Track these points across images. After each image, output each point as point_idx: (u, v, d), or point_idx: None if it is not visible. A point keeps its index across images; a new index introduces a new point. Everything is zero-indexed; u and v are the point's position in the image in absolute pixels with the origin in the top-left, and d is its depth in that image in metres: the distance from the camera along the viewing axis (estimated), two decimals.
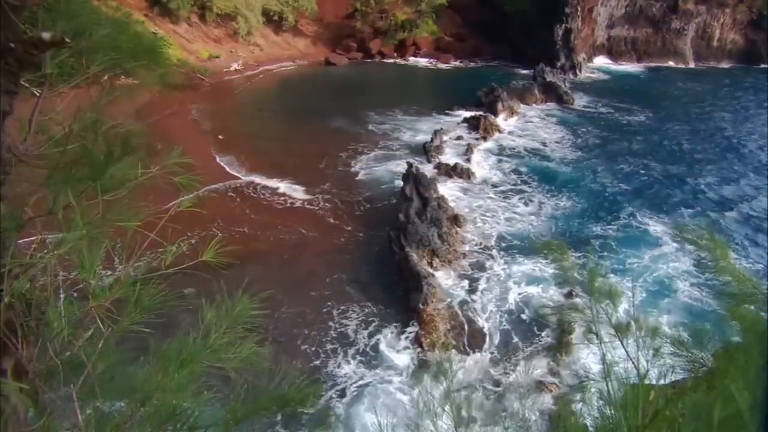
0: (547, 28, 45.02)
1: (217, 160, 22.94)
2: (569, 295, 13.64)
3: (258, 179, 21.43)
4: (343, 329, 13.01)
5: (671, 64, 49.90)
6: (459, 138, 27.11)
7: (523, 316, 13.71)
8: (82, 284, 2.02)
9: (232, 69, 40.28)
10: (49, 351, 1.95)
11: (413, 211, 16.91)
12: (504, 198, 20.71)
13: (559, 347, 12.28)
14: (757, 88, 41.32)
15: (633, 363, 2.22)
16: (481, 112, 29.77)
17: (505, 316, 13.73)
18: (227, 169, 22.17)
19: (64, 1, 1.93)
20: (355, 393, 11.11)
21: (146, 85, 2.22)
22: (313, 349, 12.26)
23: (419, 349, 12.30)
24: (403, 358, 12.16)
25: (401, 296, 14.21)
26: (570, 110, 33.98)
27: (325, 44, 49.56)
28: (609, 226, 18.72)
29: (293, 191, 20.49)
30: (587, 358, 11.91)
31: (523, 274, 15.40)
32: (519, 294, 14.58)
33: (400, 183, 19.48)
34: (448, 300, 14.11)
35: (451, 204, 18.84)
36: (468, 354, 12.31)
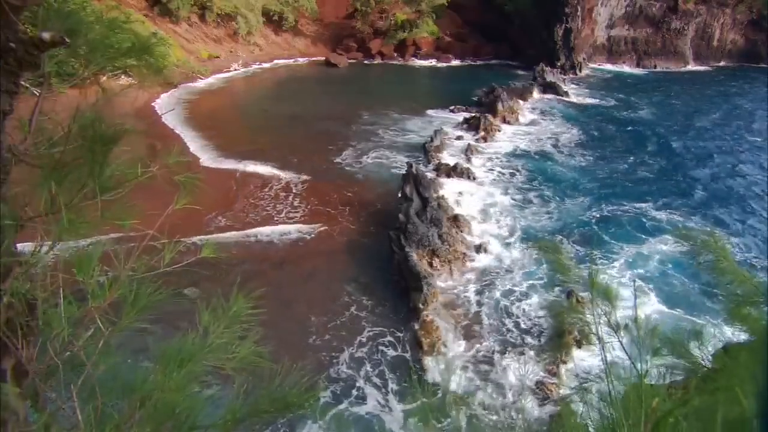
0: (547, 28, 45.06)
1: (214, 159, 22.97)
2: (570, 295, 13.63)
3: (257, 177, 21.42)
4: (341, 329, 12.99)
5: (671, 64, 49.93)
6: (459, 138, 27.12)
7: (524, 316, 13.70)
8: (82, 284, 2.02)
9: (231, 69, 40.34)
10: (49, 351, 1.95)
11: (413, 211, 16.91)
12: (504, 197, 20.71)
13: (560, 347, 12.27)
14: (757, 87, 41.33)
15: (632, 363, 2.21)
16: (480, 112, 29.79)
17: (505, 315, 13.72)
18: (225, 166, 22.16)
19: (64, 1, 1.93)
20: (345, 396, 11.05)
21: (145, 85, 2.22)
22: (310, 349, 12.24)
23: (419, 350, 12.29)
24: (399, 361, 12.15)
25: (401, 296, 14.21)
26: (570, 110, 34.00)
27: (325, 44, 49.61)
28: (608, 223, 18.71)
29: (292, 190, 20.48)
30: (588, 358, 11.91)
31: (524, 273, 15.40)
32: (519, 293, 14.57)
33: (400, 182, 19.48)
34: (449, 300, 14.11)
35: (451, 204, 18.84)
36: (467, 354, 12.30)
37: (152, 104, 28.09)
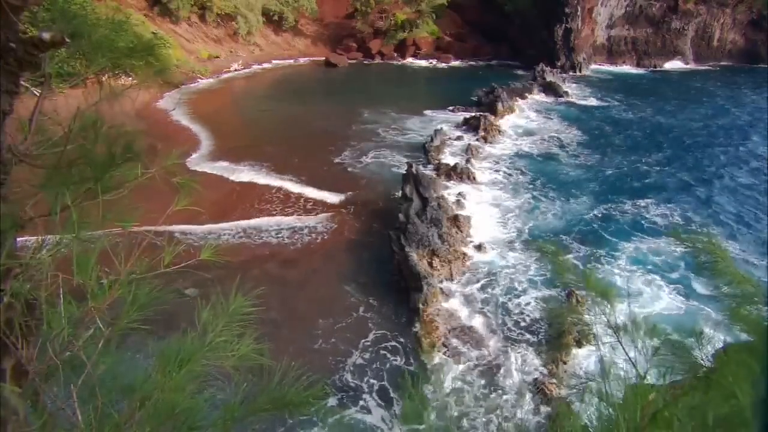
0: (547, 28, 45.06)
1: (213, 160, 22.99)
2: (570, 295, 13.63)
3: (257, 178, 21.43)
4: (341, 329, 12.99)
5: (671, 64, 49.92)
6: (459, 138, 27.12)
7: (523, 316, 13.70)
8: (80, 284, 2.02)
9: (231, 69, 40.35)
10: (49, 351, 1.95)
11: (413, 211, 16.91)
12: (504, 197, 20.72)
13: (560, 347, 12.27)
14: (757, 88, 41.33)
15: (631, 363, 2.22)
16: (480, 113, 29.78)
17: (505, 316, 13.72)
18: (224, 167, 22.16)
19: (64, 1, 1.94)
20: (344, 403, 10.99)
21: (145, 85, 2.22)
22: (309, 351, 12.22)
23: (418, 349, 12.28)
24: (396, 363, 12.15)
25: (401, 296, 14.20)
26: (570, 110, 34.01)
27: (325, 44, 49.61)
28: (609, 222, 18.71)
29: (291, 191, 20.48)
30: (587, 358, 11.92)
31: (524, 273, 15.40)
32: (519, 293, 14.57)
33: (400, 183, 19.49)
34: (449, 300, 14.11)
35: (451, 204, 18.84)
36: (467, 355, 12.30)
37: (155, 104, 28.12)
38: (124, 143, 1.95)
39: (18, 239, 1.96)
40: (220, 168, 22.05)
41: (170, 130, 25.21)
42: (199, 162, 22.30)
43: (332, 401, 10.74)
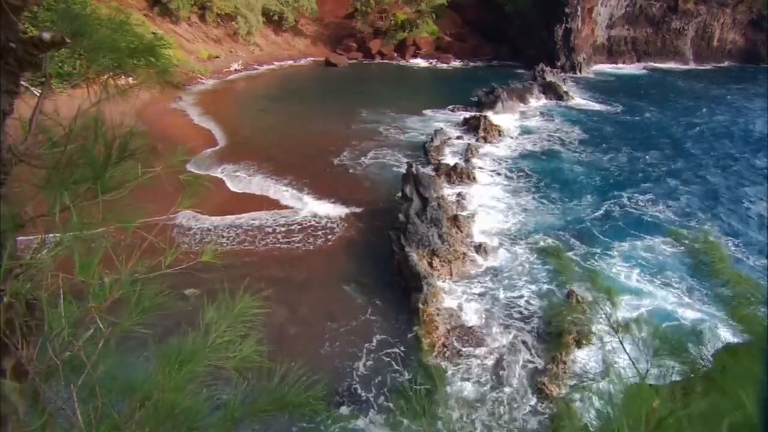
0: (547, 28, 45.09)
1: (216, 162, 22.98)
2: (570, 295, 13.62)
3: (256, 179, 21.42)
4: (341, 330, 12.98)
5: (671, 64, 49.95)
6: (459, 138, 27.12)
7: (523, 315, 13.70)
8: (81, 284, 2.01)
9: (231, 69, 40.34)
10: (49, 351, 1.95)
11: (413, 211, 16.91)
12: (503, 197, 20.72)
13: (560, 347, 12.27)
14: (757, 88, 41.34)
15: (632, 363, 2.22)
16: (480, 113, 29.78)
17: (505, 315, 13.71)
18: (224, 167, 22.16)
19: (65, 1, 1.94)
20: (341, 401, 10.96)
21: (146, 85, 2.22)
22: (307, 350, 12.19)
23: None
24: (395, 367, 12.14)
25: (401, 296, 14.20)
26: (570, 110, 34.02)
27: (325, 44, 49.64)
28: (608, 221, 18.72)
29: (290, 192, 20.48)
30: (587, 357, 11.91)
31: (523, 272, 15.40)
32: (519, 293, 14.57)
33: (399, 183, 19.49)
34: (449, 300, 14.10)
35: (451, 204, 18.83)
36: (467, 355, 12.30)
37: (170, 105, 28.26)
38: (123, 141, 1.95)
39: (19, 239, 1.96)
40: (222, 171, 22.03)
41: (182, 131, 25.37)
42: (200, 164, 22.27)
43: (335, 407, 10.68)
